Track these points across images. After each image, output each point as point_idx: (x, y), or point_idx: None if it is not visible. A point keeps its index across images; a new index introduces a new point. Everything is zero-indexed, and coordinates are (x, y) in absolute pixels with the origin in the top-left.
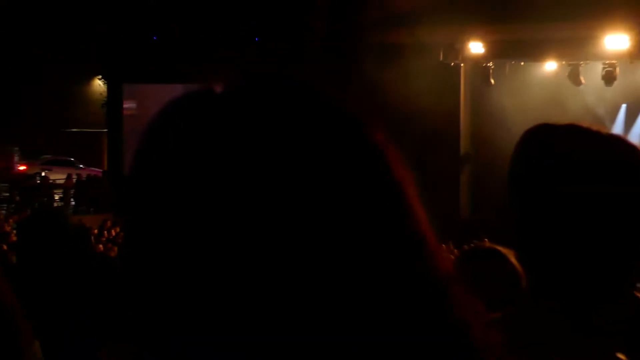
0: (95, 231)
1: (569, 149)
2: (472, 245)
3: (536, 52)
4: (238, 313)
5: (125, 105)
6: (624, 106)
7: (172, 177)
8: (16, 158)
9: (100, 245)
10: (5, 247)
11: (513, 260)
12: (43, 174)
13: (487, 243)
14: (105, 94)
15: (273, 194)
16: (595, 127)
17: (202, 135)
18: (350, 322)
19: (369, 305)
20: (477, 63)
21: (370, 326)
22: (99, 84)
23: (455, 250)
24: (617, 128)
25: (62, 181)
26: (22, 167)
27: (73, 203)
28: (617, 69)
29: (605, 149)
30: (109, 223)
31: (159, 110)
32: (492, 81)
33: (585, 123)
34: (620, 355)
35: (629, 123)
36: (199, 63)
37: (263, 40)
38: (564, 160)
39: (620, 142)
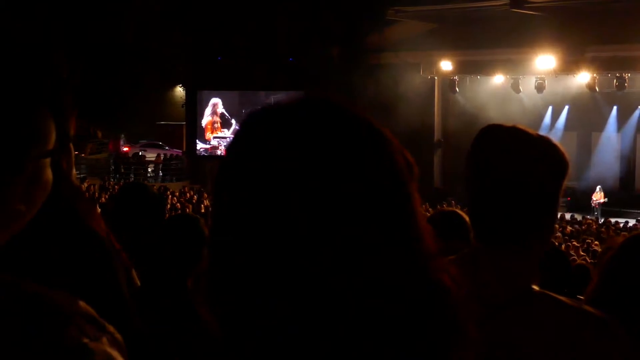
0: (177, 194)
1: (508, 144)
2: (439, 208)
3: (488, 69)
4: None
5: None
6: (550, 107)
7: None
8: (122, 142)
9: (178, 204)
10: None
11: (466, 217)
12: (140, 153)
13: (445, 207)
14: (184, 98)
15: (325, 194)
16: (530, 130)
17: (267, 144)
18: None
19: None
20: (446, 77)
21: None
22: (179, 90)
23: (430, 210)
24: (545, 123)
25: (153, 158)
26: (125, 149)
27: (161, 174)
28: (546, 81)
29: (533, 145)
30: (186, 188)
31: (241, 122)
32: (457, 90)
33: (522, 125)
34: (535, 287)
35: (554, 120)
36: (250, 75)
37: (296, 60)
38: (501, 152)
39: (544, 141)
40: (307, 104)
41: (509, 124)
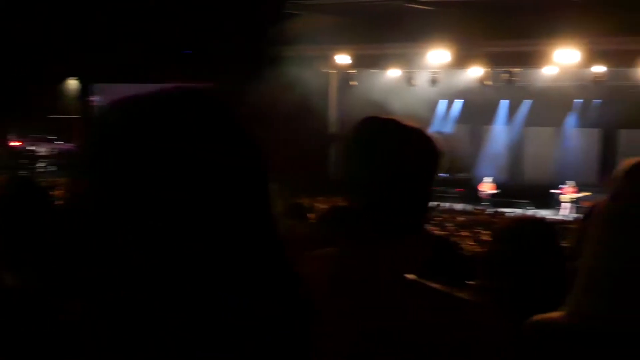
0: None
1: (384, 135)
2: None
3: (384, 63)
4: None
5: (92, 99)
6: (443, 101)
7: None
8: (12, 136)
9: None
10: None
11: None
12: (30, 147)
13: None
14: (78, 90)
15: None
16: (406, 121)
17: (126, 131)
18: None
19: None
20: (343, 70)
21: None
22: (74, 83)
23: (326, 201)
24: (439, 116)
25: (45, 153)
26: (17, 143)
27: (51, 168)
28: (440, 75)
29: (408, 137)
30: None
31: (101, 112)
32: (354, 83)
33: (402, 117)
34: (410, 276)
35: (448, 113)
36: (146, 67)
37: (193, 52)
38: (377, 143)
39: (419, 132)
40: (166, 95)
41: (387, 116)
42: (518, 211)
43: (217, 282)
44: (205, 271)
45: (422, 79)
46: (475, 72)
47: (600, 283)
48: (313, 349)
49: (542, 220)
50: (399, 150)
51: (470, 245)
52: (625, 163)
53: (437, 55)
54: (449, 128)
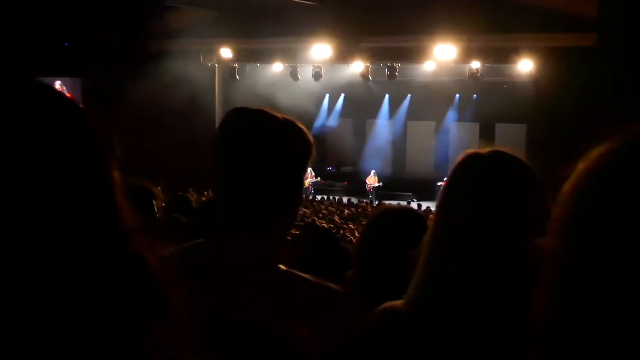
0: None
1: (253, 125)
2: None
3: (268, 57)
4: None
5: None
6: (327, 95)
7: None
8: None
9: None
10: None
11: None
12: None
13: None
14: None
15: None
16: (276, 113)
17: None
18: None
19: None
20: (227, 64)
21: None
22: None
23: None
24: (323, 110)
25: None
26: None
27: None
28: (323, 70)
29: (277, 127)
30: None
31: None
32: (237, 77)
33: (273, 110)
34: (281, 266)
35: (331, 107)
36: (23, 60)
37: (71, 45)
38: (245, 133)
39: (290, 123)
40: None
41: (256, 106)
42: (402, 203)
43: (51, 275)
44: (38, 266)
45: (306, 73)
46: (357, 67)
47: (429, 271)
48: (164, 340)
49: (411, 209)
50: (265, 141)
51: (356, 237)
52: (460, 155)
53: (320, 50)
54: (333, 122)
